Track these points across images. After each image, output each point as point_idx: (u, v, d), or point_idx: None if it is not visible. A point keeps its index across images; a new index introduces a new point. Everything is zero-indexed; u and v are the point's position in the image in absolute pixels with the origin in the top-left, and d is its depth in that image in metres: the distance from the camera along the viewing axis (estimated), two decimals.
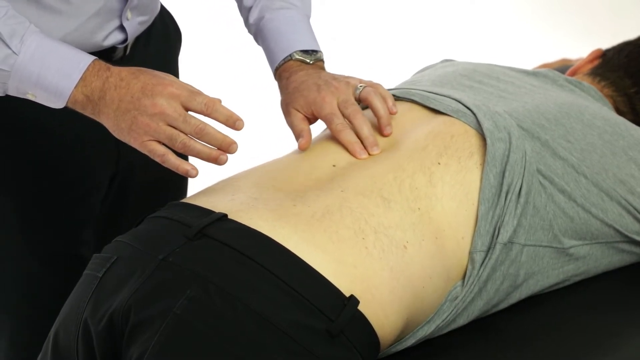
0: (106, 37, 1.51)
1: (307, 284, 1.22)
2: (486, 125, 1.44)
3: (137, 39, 1.59)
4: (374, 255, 1.28)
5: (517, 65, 1.73)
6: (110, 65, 1.36)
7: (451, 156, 1.42)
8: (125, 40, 1.54)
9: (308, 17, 1.63)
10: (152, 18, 1.62)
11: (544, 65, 2.17)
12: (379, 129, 1.47)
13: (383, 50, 4.01)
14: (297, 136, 1.48)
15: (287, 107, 1.51)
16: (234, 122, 1.33)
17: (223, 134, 1.33)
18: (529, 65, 2.05)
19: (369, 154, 1.43)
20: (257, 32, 1.62)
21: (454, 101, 1.51)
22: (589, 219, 1.47)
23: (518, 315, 1.44)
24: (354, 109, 1.47)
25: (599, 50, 1.86)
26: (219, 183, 1.41)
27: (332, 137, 1.48)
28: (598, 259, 1.51)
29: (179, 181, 1.78)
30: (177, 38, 1.76)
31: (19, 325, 1.62)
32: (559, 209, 1.44)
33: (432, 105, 1.51)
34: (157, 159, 1.33)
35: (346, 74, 1.54)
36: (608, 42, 1.91)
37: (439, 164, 1.41)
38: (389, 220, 1.32)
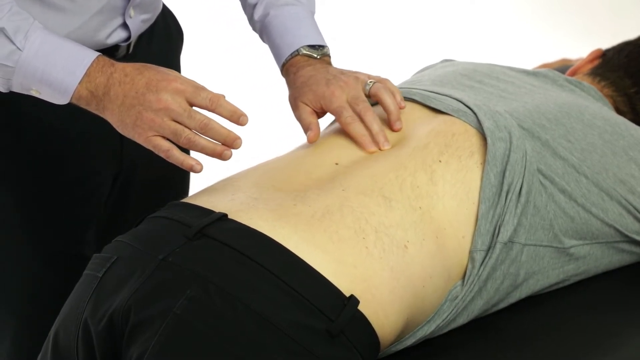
0: (109, 35, 1.51)
1: (307, 284, 1.22)
2: (487, 124, 1.44)
3: (140, 37, 1.59)
4: (374, 255, 1.28)
5: (517, 65, 1.73)
6: (115, 62, 1.36)
7: (452, 155, 1.42)
8: (128, 38, 1.54)
9: (313, 13, 1.63)
10: (155, 16, 1.62)
11: (544, 65, 2.17)
12: (389, 124, 1.48)
13: (383, 50, 4.01)
14: (306, 129, 1.48)
15: (295, 101, 1.51)
16: (238, 118, 1.33)
17: (227, 129, 1.33)
18: (529, 65, 2.05)
19: (380, 149, 1.44)
20: (262, 28, 1.62)
21: (454, 100, 1.51)
22: (590, 219, 1.47)
23: (518, 315, 1.44)
24: (364, 105, 1.47)
25: (599, 50, 1.86)
26: (219, 183, 1.41)
27: (335, 135, 1.48)
28: (598, 259, 1.51)
29: (181, 180, 1.78)
30: (179, 37, 1.76)
31: (21, 325, 1.62)
32: (560, 209, 1.44)
33: (432, 105, 1.52)
34: (162, 154, 1.33)
35: (354, 69, 1.54)
36: (608, 42, 1.91)
37: (440, 161, 1.41)
38: (389, 219, 1.32)
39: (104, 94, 1.34)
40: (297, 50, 1.56)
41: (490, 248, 1.38)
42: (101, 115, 1.36)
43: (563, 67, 2.04)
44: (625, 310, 1.50)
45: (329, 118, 1.55)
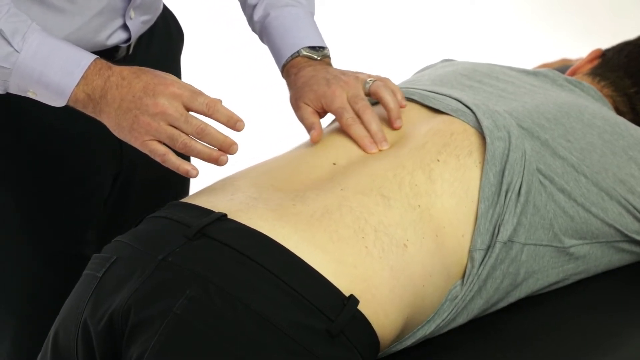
0: (109, 36, 1.51)
1: (307, 284, 1.22)
2: (485, 124, 1.44)
3: (140, 38, 1.59)
4: (374, 255, 1.28)
5: (517, 65, 1.74)
6: (112, 65, 1.36)
7: (450, 154, 1.42)
8: (129, 39, 1.54)
9: (312, 14, 1.64)
10: (155, 17, 1.62)
11: (544, 65, 2.16)
12: (389, 122, 1.48)
13: (383, 50, 4.01)
14: (309, 129, 1.49)
15: (296, 102, 1.52)
16: (235, 123, 1.33)
17: (224, 135, 1.33)
18: (529, 65, 2.05)
19: (379, 149, 1.44)
20: (262, 29, 1.62)
21: (453, 100, 1.51)
22: (589, 218, 1.47)
23: (518, 315, 1.44)
24: (363, 104, 1.47)
25: (598, 50, 1.86)
26: (218, 182, 1.41)
27: (333, 135, 1.48)
28: (598, 258, 1.51)
29: (181, 180, 1.78)
30: (180, 38, 1.76)
31: (22, 325, 1.62)
32: (559, 208, 1.44)
33: (431, 104, 1.52)
34: (158, 159, 1.33)
35: (354, 69, 1.54)
36: (608, 42, 1.91)
37: (438, 160, 1.41)
38: (389, 218, 1.32)
39: (100, 97, 1.34)
40: (297, 52, 1.56)
41: (489, 247, 1.38)
42: (98, 118, 1.36)
43: (563, 67, 2.04)
44: (625, 310, 1.50)
45: (330, 118, 1.55)
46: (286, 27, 1.59)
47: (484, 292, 1.39)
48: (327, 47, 1.58)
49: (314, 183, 1.37)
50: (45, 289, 1.61)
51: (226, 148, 1.33)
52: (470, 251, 1.37)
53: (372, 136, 1.45)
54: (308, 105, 1.50)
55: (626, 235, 1.51)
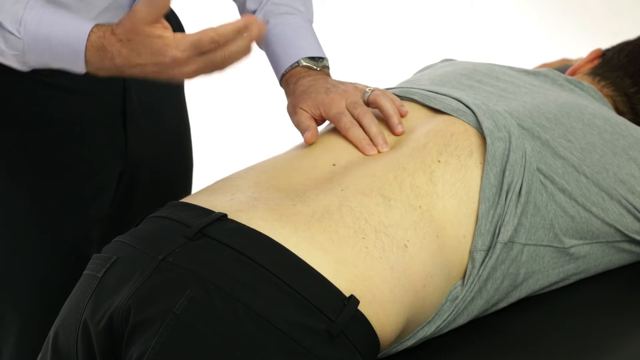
0: None
1: (307, 284, 1.22)
2: (486, 124, 1.44)
3: None
4: (374, 255, 1.28)
5: (517, 66, 1.73)
6: (112, 29, 1.33)
7: (451, 154, 1.42)
8: None
9: (311, 22, 1.64)
10: None
11: (544, 65, 2.16)
12: (390, 128, 1.48)
13: (383, 51, 4.01)
14: (303, 132, 1.49)
15: (294, 108, 1.52)
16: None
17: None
18: (529, 65, 2.05)
19: (379, 152, 1.44)
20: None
21: (454, 100, 1.51)
22: (590, 218, 1.47)
23: (518, 315, 1.44)
24: (362, 109, 1.47)
25: (598, 50, 1.86)
26: (218, 182, 1.41)
27: (333, 136, 1.48)
28: (598, 258, 1.51)
29: (184, 180, 1.79)
30: None
31: (27, 324, 1.62)
32: (560, 208, 1.44)
33: (432, 105, 1.52)
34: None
35: (352, 81, 1.55)
36: (608, 42, 1.91)
37: (439, 162, 1.41)
38: (389, 219, 1.32)
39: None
40: (297, 62, 1.56)
41: (490, 248, 1.38)
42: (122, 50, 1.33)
43: (563, 67, 2.04)
44: (625, 310, 1.50)
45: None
46: (286, 36, 1.59)
47: (485, 293, 1.38)
48: (326, 58, 1.59)
49: (314, 183, 1.37)
50: (53, 289, 1.62)
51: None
52: (471, 252, 1.37)
53: (371, 139, 1.45)
54: (305, 111, 1.50)
55: (626, 235, 1.51)
